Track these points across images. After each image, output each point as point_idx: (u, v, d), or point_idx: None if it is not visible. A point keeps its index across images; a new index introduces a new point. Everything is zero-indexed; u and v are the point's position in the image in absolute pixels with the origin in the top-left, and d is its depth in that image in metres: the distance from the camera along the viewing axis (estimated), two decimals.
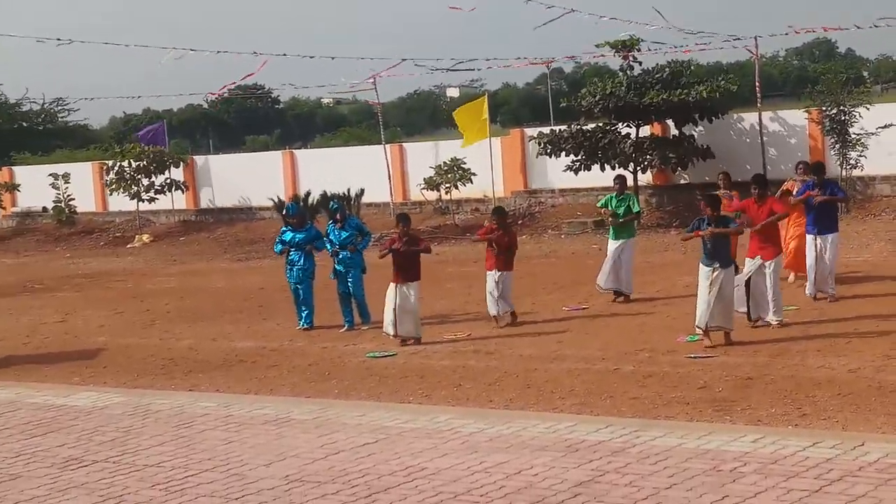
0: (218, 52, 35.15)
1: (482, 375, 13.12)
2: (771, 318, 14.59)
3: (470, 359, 14.21)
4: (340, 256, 17.07)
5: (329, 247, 17.21)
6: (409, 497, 8.03)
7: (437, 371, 13.61)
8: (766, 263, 14.61)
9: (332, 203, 19.49)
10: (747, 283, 14.64)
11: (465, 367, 13.65)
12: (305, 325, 17.28)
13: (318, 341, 16.27)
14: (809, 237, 16.36)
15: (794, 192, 17.14)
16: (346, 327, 16.96)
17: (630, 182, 28.52)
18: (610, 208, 17.91)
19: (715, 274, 13.73)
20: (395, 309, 15.33)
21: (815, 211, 16.29)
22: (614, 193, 18.00)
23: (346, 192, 32.31)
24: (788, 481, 7.73)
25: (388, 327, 15.47)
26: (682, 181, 30.01)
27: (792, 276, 17.68)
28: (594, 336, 15.13)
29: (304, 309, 17.39)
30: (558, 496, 7.77)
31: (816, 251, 16.17)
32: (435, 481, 8.36)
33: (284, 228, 17.97)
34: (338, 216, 17.44)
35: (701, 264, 14.00)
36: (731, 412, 10.58)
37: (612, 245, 17.70)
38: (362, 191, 32.81)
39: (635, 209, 18.05)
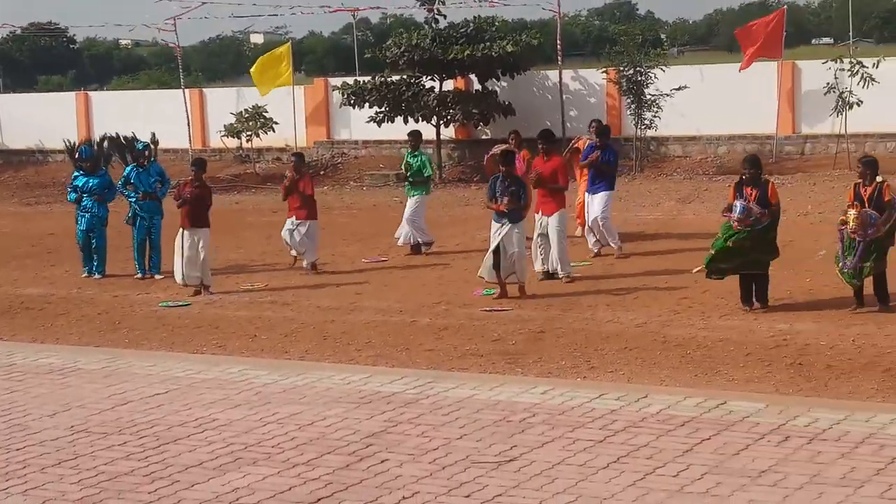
0: None
1: (278, 326, 13.01)
2: (559, 272, 14.88)
3: (266, 309, 14.06)
4: (145, 203, 16.58)
5: (131, 192, 16.68)
6: (199, 448, 7.90)
7: (232, 321, 13.42)
8: (548, 219, 14.86)
9: (138, 143, 18.72)
10: (538, 238, 14.90)
11: (262, 318, 13.51)
12: (97, 274, 16.76)
13: (108, 289, 15.82)
14: (587, 195, 16.85)
15: (583, 152, 17.50)
16: (139, 275, 16.54)
17: (433, 136, 28.79)
18: (403, 164, 18.07)
19: (504, 228, 13.94)
20: (182, 256, 15.04)
21: (592, 171, 16.74)
22: (409, 151, 18.14)
23: (133, 135, 30.58)
24: (574, 431, 7.92)
25: (178, 275, 15.17)
26: (484, 136, 30.30)
27: (579, 230, 17.98)
28: (393, 288, 15.18)
29: (94, 257, 16.86)
30: (350, 447, 7.77)
31: (590, 209, 16.67)
32: (226, 432, 8.24)
33: (77, 173, 17.34)
34: (143, 158, 16.95)
35: (493, 222, 14.22)
36: (522, 364, 10.79)
37: (408, 200, 17.86)
38: (153, 136, 31.24)
39: (427, 173, 18.13)
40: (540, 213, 14.89)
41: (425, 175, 18.05)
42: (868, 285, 12.45)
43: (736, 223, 12.50)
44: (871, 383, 9.68)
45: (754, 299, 12.80)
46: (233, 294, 15.15)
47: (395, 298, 14.36)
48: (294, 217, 16.35)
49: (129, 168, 17.08)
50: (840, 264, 12.39)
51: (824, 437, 7.58)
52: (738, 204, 12.53)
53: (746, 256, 12.62)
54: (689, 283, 14.28)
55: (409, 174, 17.95)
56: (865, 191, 12.28)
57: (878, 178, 12.39)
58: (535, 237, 14.94)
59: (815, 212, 20.06)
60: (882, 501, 6.44)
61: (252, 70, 32.16)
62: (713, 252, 12.77)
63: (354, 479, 7.13)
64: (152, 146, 29.44)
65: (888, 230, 12.24)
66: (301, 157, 17.21)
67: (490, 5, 31.90)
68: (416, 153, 18.03)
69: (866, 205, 12.20)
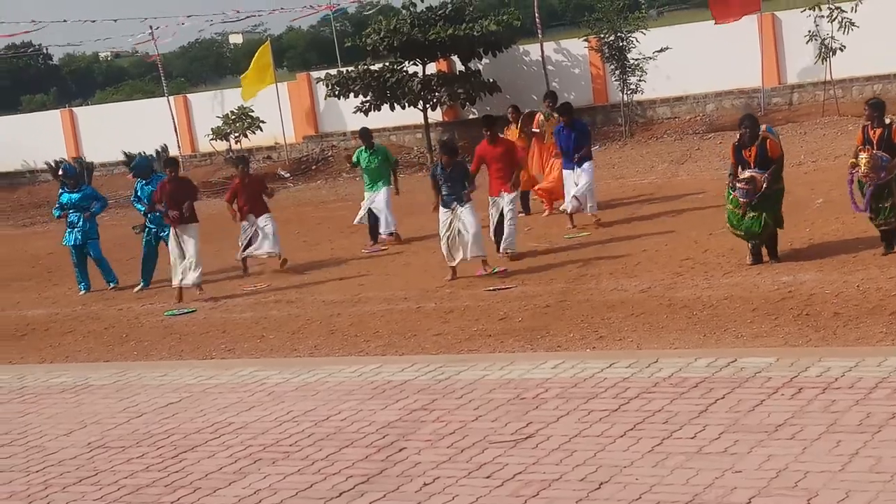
0: None
1: (285, 324, 13.02)
2: (505, 249, 14.79)
3: (272, 309, 14.07)
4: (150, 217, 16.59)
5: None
6: (218, 453, 7.92)
7: (239, 324, 13.44)
8: (505, 197, 14.74)
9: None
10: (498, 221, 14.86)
11: (268, 318, 13.52)
12: (111, 284, 16.83)
13: (113, 304, 15.83)
14: (566, 172, 16.76)
15: (539, 128, 17.68)
16: (141, 286, 16.56)
17: (420, 121, 28.77)
18: (362, 164, 17.88)
19: (453, 212, 14.01)
20: (180, 259, 15.09)
21: (566, 150, 16.68)
22: (363, 148, 17.96)
23: (160, 149, 30.36)
24: (588, 403, 7.94)
25: (176, 278, 15.22)
26: (472, 116, 30.26)
27: (548, 212, 18.09)
28: (395, 276, 15.19)
29: (103, 269, 16.96)
30: (367, 438, 7.79)
31: (578, 179, 16.60)
32: (243, 435, 8.27)
33: (61, 190, 17.39)
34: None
35: (441, 208, 14.25)
36: (531, 341, 10.80)
37: (371, 195, 17.68)
38: (165, 147, 30.88)
39: (392, 158, 18.08)
40: (503, 193, 14.79)
41: (392, 161, 17.96)
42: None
43: (744, 201, 12.44)
44: (879, 327, 9.69)
45: (766, 257, 12.78)
46: (237, 297, 15.16)
47: (399, 286, 14.37)
48: (253, 215, 16.08)
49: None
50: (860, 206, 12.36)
51: (837, 386, 7.60)
52: (740, 187, 12.45)
53: (763, 225, 12.56)
54: (690, 245, 14.29)
55: (373, 167, 17.66)
56: (874, 133, 12.22)
57: (887, 120, 12.36)
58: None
59: (809, 161, 20.05)
60: None
61: (244, 76, 31.93)
62: (740, 233, 12.72)
63: (375, 470, 7.15)
64: (160, 158, 29.07)
65: None
66: (246, 161, 17.30)
67: None
68: (373, 150, 17.87)
69: (875, 147, 12.15)
